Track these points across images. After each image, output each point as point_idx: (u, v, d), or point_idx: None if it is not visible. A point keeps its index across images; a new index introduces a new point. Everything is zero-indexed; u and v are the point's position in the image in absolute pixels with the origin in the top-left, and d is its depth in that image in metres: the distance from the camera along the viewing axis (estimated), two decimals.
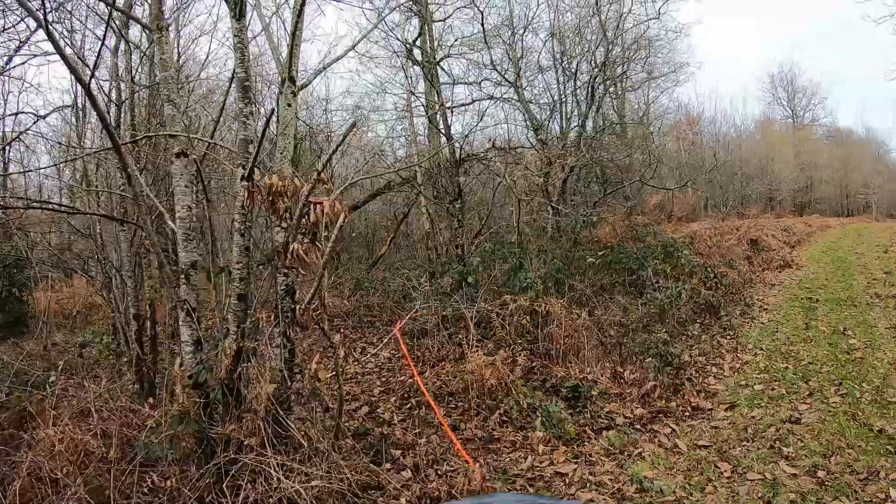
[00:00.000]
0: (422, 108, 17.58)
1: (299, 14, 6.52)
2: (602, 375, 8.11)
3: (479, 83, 16.21)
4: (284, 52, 7.00)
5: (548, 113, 14.39)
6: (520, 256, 10.43)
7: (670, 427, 7.14)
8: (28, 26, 10.83)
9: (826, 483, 5.73)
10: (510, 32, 16.13)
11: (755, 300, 13.28)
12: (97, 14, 10.18)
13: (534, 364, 8.31)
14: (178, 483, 5.19)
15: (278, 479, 5.07)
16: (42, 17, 4.62)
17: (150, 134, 8.57)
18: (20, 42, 11.55)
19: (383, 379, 9.43)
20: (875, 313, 11.62)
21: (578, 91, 14.71)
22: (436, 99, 14.84)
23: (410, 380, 8.93)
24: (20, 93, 23.00)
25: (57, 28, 9.97)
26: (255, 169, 5.92)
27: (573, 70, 14.77)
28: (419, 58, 15.74)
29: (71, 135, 13.56)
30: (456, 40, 16.33)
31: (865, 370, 8.63)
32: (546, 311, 8.70)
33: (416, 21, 16.29)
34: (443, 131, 12.81)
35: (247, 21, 6.15)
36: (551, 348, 8.44)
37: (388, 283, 15.47)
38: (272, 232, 6.14)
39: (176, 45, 13.09)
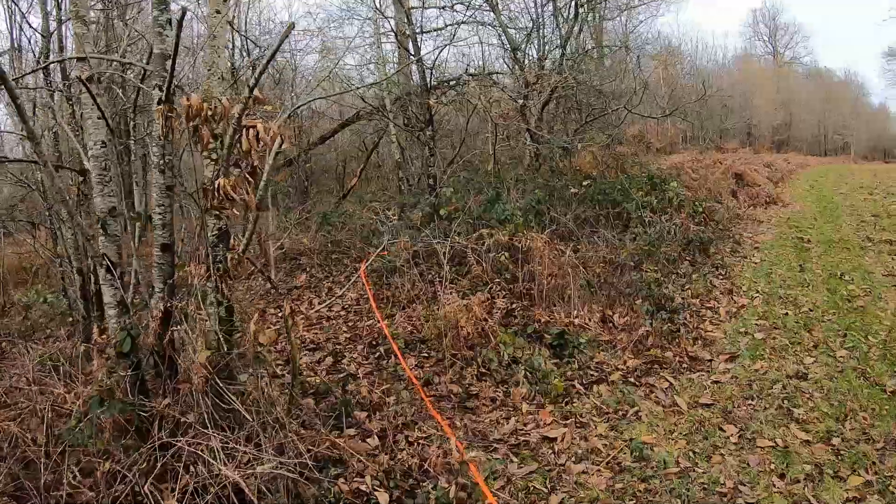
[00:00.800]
0: (392, 35, 16.32)
1: None
2: (590, 320, 7.21)
3: (453, 6, 14.91)
4: None
5: (525, 35, 13.18)
6: (496, 186, 9.41)
7: (667, 381, 6.29)
8: None
9: (842, 452, 4.98)
10: None
11: (745, 237, 12.41)
12: None
13: (514, 306, 7.37)
14: (103, 477, 4.21)
15: (219, 465, 4.09)
16: None
17: (51, 60, 7.36)
18: None
19: (350, 323, 8.49)
20: (870, 258, 10.81)
21: (559, 12, 13.49)
22: (405, 20, 13.53)
23: (379, 324, 8.00)
24: None
25: None
26: (180, 90, 4.81)
27: None
28: None
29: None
30: None
31: (869, 321, 7.81)
32: (526, 247, 7.73)
33: None
34: (413, 55, 11.59)
35: None
36: (533, 289, 7.51)
37: (356, 217, 14.45)
38: (202, 166, 5.03)
39: None
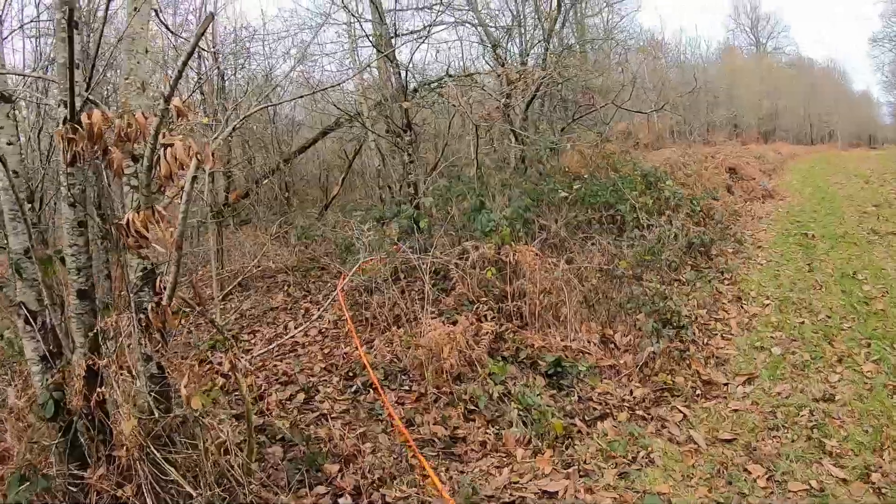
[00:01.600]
0: (368, 41, 15.51)
1: None
2: (589, 342, 6.37)
3: (431, 6, 14.06)
4: None
5: (505, 31, 12.33)
6: (480, 193, 8.59)
7: (680, 411, 5.47)
8: None
9: (884, 491, 4.23)
10: None
11: (746, 235, 11.59)
12: None
13: (503, 329, 6.53)
14: None
15: None
16: None
17: None
18: None
19: (326, 350, 7.66)
20: (879, 253, 10.03)
21: (541, 7, 12.69)
22: (381, 20, 12.68)
23: (357, 351, 7.18)
24: None
25: None
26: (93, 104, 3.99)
27: None
28: None
29: None
30: None
31: (892, 326, 7.02)
32: (515, 261, 6.90)
33: None
34: (388, 57, 10.76)
35: None
36: (524, 308, 6.67)
37: (336, 229, 13.63)
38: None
39: None
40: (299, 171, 20.25)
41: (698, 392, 5.82)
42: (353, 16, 13.15)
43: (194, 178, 3.29)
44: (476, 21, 12.07)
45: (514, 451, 4.90)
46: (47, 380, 4.17)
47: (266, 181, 16.53)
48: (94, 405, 4.02)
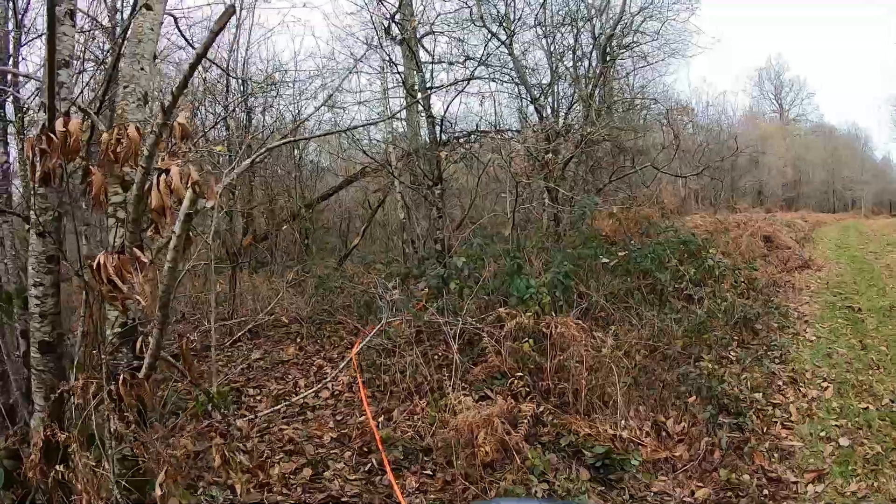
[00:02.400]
0: (400, 90, 15.03)
1: None
2: (640, 429, 5.51)
3: (464, 62, 13.61)
4: None
5: (546, 86, 11.74)
6: (516, 255, 7.83)
7: None
8: None
9: None
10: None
11: (790, 309, 10.71)
12: None
13: (542, 410, 5.68)
14: None
15: None
16: None
17: None
18: None
19: (339, 417, 6.86)
20: None
21: (579, 62, 12.13)
22: (415, 75, 12.15)
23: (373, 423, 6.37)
24: None
25: None
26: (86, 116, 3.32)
27: (574, 38, 12.17)
28: (397, 34, 12.98)
29: None
30: (438, 15, 13.59)
31: None
32: (558, 333, 6.10)
33: None
34: (421, 104, 10.19)
35: None
36: (566, 388, 5.83)
37: (356, 281, 12.89)
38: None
39: None
40: (320, 219, 19.66)
41: (765, 492, 4.94)
42: (387, 62, 12.63)
43: (189, 216, 2.55)
44: (516, 75, 11.50)
45: None
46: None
47: (286, 226, 15.90)
48: (51, 484, 3.25)
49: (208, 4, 10.85)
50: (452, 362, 6.86)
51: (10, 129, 6.57)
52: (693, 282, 9.25)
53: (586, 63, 12.25)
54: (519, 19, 12.26)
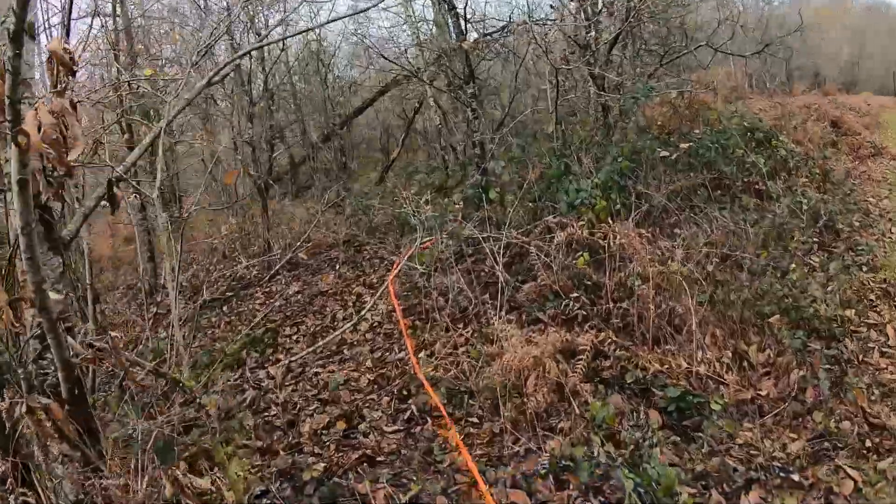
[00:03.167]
0: None
1: None
2: (719, 361, 4.50)
3: None
4: None
5: None
6: (562, 154, 6.74)
7: (850, 477, 3.59)
8: None
9: None
10: None
11: (869, 205, 9.23)
12: None
13: (601, 339, 4.72)
14: None
15: None
16: None
17: None
18: None
19: (377, 354, 6.06)
20: None
21: None
22: None
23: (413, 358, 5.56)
24: None
25: None
26: None
27: None
28: None
29: None
30: None
31: None
32: (617, 244, 5.09)
33: None
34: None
35: None
36: (630, 312, 4.85)
37: (397, 194, 12.00)
38: None
39: None
40: (358, 135, 18.67)
41: (869, 445, 3.91)
42: None
43: (23, 181, 1.62)
44: None
45: None
46: None
47: (322, 147, 15.02)
48: None
49: None
50: (498, 282, 5.98)
51: None
52: (764, 175, 8.01)
53: None
54: None
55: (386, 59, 10.85)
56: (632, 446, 3.63)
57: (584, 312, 5.07)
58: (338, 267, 9.16)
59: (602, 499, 3.44)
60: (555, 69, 6.75)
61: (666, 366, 4.32)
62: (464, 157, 11.97)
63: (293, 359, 6.16)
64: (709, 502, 3.40)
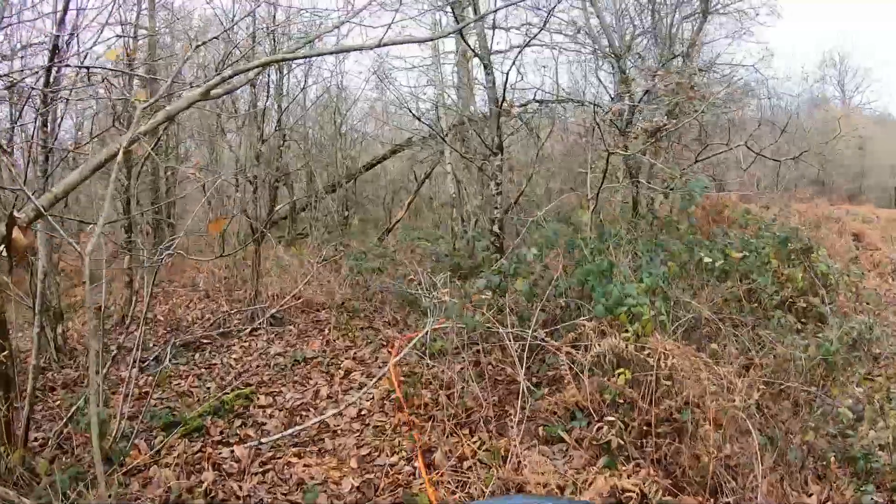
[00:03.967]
0: (451, 56, 13.12)
1: None
2: None
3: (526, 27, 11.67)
4: None
5: (629, 39, 9.58)
6: (598, 249, 5.92)
7: None
8: None
9: None
10: None
11: None
12: None
13: (643, 483, 3.77)
14: None
15: None
16: None
17: None
18: None
19: (364, 451, 5.09)
20: None
21: (666, 18, 9.86)
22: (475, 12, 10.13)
23: (408, 468, 4.62)
24: None
25: None
26: None
27: None
28: None
29: None
30: None
31: None
32: (668, 366, 4.20)
33: None
34: (482, 60, 8.24)
35: None
36: (681, 450, 3.92)
37: (398, 260, 11.14)
38: None
39: None
40: (364, 190, 17.92)
41: None
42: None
43: None
44: (596, 27, 9.42)
45: None
46: None
47: (326, 197, 14.21)
48: None
49: None
50: (515, 385, 5.09)
51: None
52: (799, 290, 7.23)
53: (671, 18, 10.01)
54: None
55: (410, 111, 10.07)
56: None
57: (620, 441, 4.15)
58: (327, 332, 8.22)
59: None
60: (607, 152, 5.97)
61: None
62: (473, 230, 11.18)
63: (264, 441, 5.19)
64: None
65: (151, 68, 7.91)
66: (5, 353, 4.57)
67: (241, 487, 4.60)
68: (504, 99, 7.71)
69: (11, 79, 5.25)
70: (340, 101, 14.66)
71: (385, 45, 3.99)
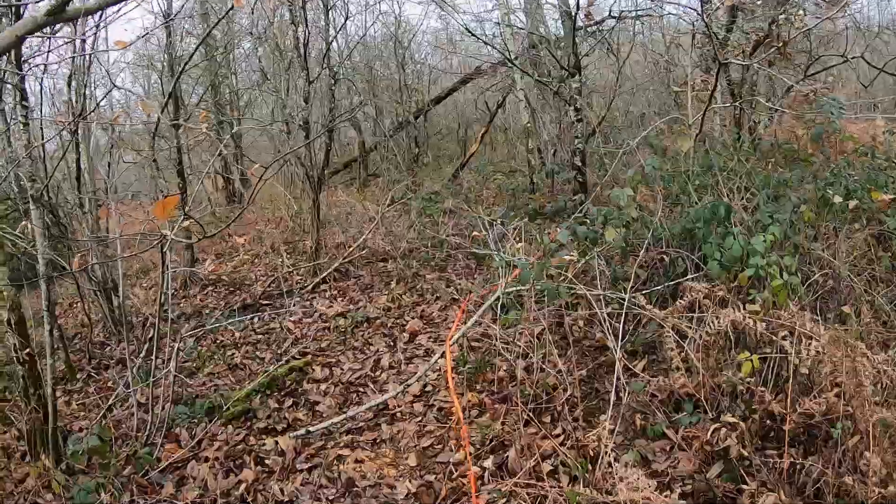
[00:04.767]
0: None
1: None
2: None
3: None
4: None
5: None
6: (703, 185, 4.72)
7: None
8: None
9: None
10: None
11: None
12: None
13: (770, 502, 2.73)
14: None
15: None
16: None
17: None
18: None
19: (426, 443, 4.21)
20: None
21: None
22: None
23: (476, 467, 3.70)
24: None
25: None
26: None
27: None
28: None
29: None
30: None
31: None
32: (811, 355, 3.07)
33: None
34: None
35: None
36: (826, 477, 2.81)
37: (471, 197, 10.16)
38: None
39: None
40: (435, 124, 16.86)
41: None
42: None
43: None
44: None
45: None
46: None
47: (394, 135, 13.25)
48: None
49: None
50: (605, 353, 4.09)
51: None
52: None
53: None
54: None
55: (475, 35, 8.84)
56: None
57: (742, 450, 3.08)
58: (393, 285, 7.36)
59: None
60: (719, 63, 4.61)
61: None
62: (550, 162, 10.00)
63: (313, 429, 4.39)
64: None
65: None
66: (27, 350, 4.04)
67: (282, 491, 3.82)
68: (579, 7, 6.40)
69: None
70: (401, 32, 13.52)
71: None
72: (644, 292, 4.02)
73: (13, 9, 4.41)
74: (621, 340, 3.73)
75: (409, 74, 13.81)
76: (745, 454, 3.07)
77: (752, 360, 3.20)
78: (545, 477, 3.39)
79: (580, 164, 6.81)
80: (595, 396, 4.27)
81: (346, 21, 11.27)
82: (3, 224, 6.24)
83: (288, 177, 11.10)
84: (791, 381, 3.11)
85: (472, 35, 8.51)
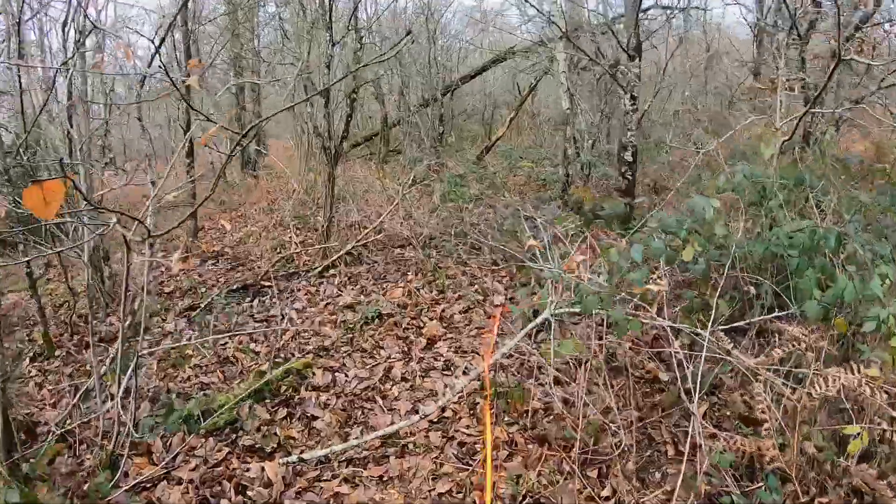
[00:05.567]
0: None
1: None
2: None
3: None
4: None
5: None
6: (787, 202, 3.87)
7: None
8: None
9: None
10: None
11: None
12: None
13: None
14: None
15: None
16: None
17: None
18: None
19: (442, 488, 3.42)
20: None
21: None
22: None
23: None
24: None
25: None
26: None
27: None
28: None
29: None
30: None
31: None
32: None
33: None
34: None
35: None
36: None
37: (499, 182, 9.38)
38: None
39: None
40: (461, 103, 15.95)
41: None
42: None
43: None
44: None
45: None
46: None
47: (419, 112, 12.40)
48: None
49: None
50: (664, 392, 3.32)
51: None
52: None
53: None
54: None
55: (535, 7, 7.94)
56: None
57: None
58: (410, 276, 6.58)
59: None
60: (838, 58, 3.77)
61: None
62: (586, 154, 9.15)
63: (306, 457, 3.62)
64: None
65: None
66: None
67: None
68: None
69: None
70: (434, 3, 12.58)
71: None
72: (722, 328, 3.21)
73: None
74: (698, 389, 2.93)
75: (439, 49, 12.90)
76: None
77: (862, 436, 2.41)
78: None
79: (630, 159, 5.96)
80: (648, 446, 3.48)
81: None
82: None
83: (305, 146, 10.29)
84: None
85: (532, 6, 7.59)
